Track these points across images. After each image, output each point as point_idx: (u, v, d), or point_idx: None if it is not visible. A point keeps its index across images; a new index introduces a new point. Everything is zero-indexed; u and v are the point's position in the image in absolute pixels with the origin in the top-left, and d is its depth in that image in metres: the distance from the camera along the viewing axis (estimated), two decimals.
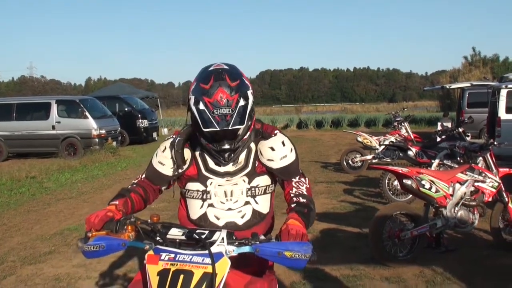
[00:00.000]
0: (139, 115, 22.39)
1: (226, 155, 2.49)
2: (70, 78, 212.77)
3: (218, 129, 2.27)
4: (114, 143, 18.49)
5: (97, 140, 18.03)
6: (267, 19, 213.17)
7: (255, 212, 2.61)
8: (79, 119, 18.18)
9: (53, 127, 18.05)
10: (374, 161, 11.55)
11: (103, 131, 18.33)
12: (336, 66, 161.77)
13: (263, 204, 2.65)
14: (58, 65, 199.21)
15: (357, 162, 12.37)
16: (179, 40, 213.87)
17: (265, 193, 2.65)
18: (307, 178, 2.67)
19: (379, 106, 56.95)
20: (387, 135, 12.73)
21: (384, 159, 11.24)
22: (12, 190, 11.35)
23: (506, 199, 5.93)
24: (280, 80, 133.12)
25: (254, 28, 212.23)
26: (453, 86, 16.18)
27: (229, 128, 2.28)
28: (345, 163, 12.52)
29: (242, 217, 2.59)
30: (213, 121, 2.26)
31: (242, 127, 2.35)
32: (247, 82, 2.41)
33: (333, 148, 18.85)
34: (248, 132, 2.50)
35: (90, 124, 18.06)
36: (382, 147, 11.51)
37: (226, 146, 2.43)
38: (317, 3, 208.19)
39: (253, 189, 2.60)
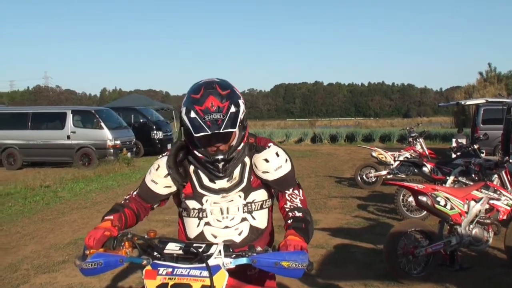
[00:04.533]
0: (154, 127, 22.48)
1: (221, 165, 2.43)
2: (85, 88, 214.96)
3: (209, 132, 2.24)
4: (129, 154, 18.59)
5: (112, 150, 18.15)
6: (283, 32, 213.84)
7: (252, 228, 2.57)
8: (95, 129, 18.31)
9: (68, 137, 18.19)
10: (388, 176, 11.55)
11: (118, 142, 18.46)
12: (350, 81, 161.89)
13: (261, 220, 2.61)
14: (73, 75, 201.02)
15: (371, 177, 12.31)
16: (194, 52, 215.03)
17: (261, 208, 2.61)
18: (301, 190, 2.63)
19: (394, 121, 56.77)
20: (402, 150, 12.75)
21: (399, 175, 11.25)
22: (27, 198, 11.45)
23: None
24: (294, 93, 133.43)
25: (270, 41, 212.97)
26: (468, 102, 16.06)
27: (220, 131, 2.25)
28: (359, 178, 12.46)
29: (240, 234, 2.55)
30: (204, 126, 2.25)
31: (233, 130, 2.32)
32: (238, 92, 2.42)
33: (347, 163, 18.82)
34: (242, 143, 2.48)
35: (105, 134, 18.20)
36: (397, 162, 11.54)
37: (220, 156, 2.40)
38: (333, 18, 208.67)
39: (249, 204, 2.57)
